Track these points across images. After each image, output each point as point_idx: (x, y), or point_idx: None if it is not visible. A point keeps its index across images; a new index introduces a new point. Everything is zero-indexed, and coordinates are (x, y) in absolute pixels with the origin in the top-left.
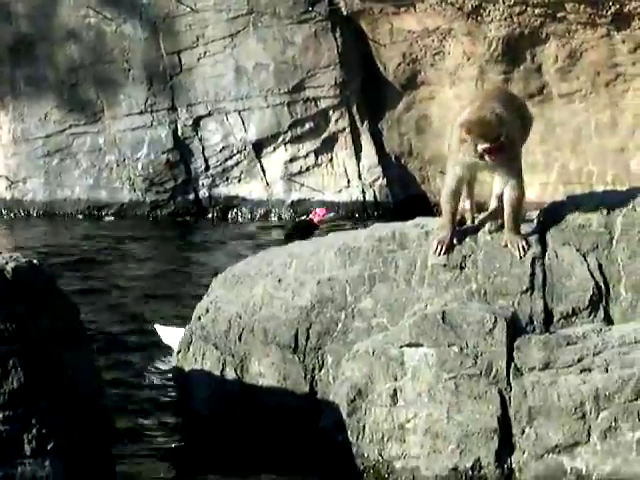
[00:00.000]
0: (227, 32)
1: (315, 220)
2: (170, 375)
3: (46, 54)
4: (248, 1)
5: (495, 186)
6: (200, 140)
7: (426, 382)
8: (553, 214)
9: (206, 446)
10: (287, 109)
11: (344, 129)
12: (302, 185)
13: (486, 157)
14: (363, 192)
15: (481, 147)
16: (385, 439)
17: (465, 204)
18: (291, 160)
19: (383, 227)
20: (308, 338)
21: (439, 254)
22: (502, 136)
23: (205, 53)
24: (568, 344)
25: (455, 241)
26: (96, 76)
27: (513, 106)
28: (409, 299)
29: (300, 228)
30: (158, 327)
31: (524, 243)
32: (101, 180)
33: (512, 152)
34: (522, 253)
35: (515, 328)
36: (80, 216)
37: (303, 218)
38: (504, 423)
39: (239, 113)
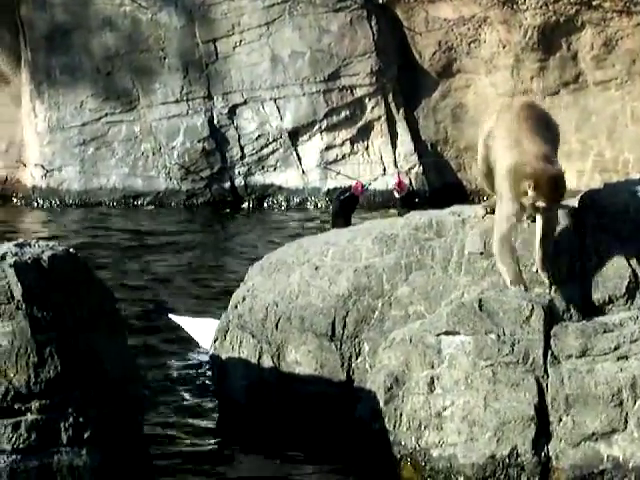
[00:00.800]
0: (263, 20)
1: (356, 193)
2: (206, 364)
3: (82, 42)
4: None
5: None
6: (236, 128)
7: (463, 370)
8: (590, 201)
9: (243, 434)
10: (323, 97)
11: (380, 117)
12: (338, 173)
13: (542, 210)
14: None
15: (542, 205)
16: (422, 427)
17: None
18: (327, 148)
19: (420, 215)
20: (345, 326)
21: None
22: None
23: (241, 41)
24: (605, 332)
25: None
26: (132, 64)
27: (550, 128)
28: (446, 287)
29: (346, 201)
30: (175, 317)
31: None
32: (137, 169)
33: None
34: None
35: (552, 316)
36: (116, 205)
37: (346, 191)
38: (541, 411)
39: (275, 101)
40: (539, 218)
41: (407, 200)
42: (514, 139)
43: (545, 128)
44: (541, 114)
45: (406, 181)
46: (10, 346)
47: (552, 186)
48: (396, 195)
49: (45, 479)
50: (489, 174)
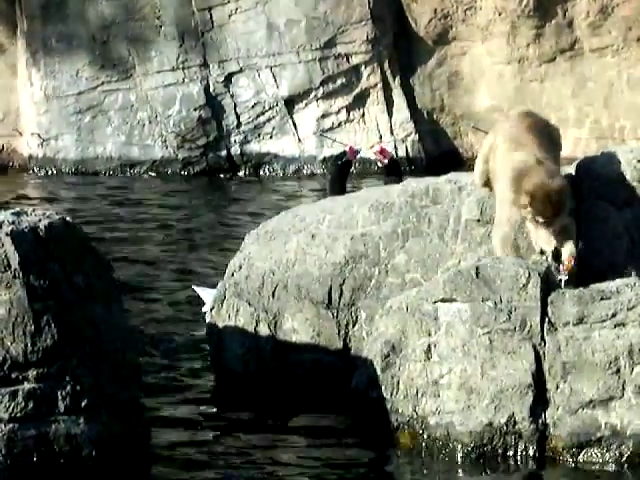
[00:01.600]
0: None
1: (350, 158)
2: (203, 331)
3: (77, 11)
4: None
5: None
6: (232, 97)
7: (460, 337)
8: (586, 168)
9: (240, 403)
10: (319, 65)
11: (376, 85)
12: (334, 141)
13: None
14: (395, 148)
15: (541, 220)
16: (419, 395)
17: None
18: (323, 116)
19: (416, 182)
20: (341, 294)
21: None
22: (566, 210)
23: (236, 9)
24: (602, 299)
25: None
26: (128, 33)
27: (550, 135)
28: (442, 254)
29: (343, 166)
30: (197, 289)
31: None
32: (133, 137)
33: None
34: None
35: (549, 283)
36: (112, 173)
37: (342, 156)
38: (538, 378)
39: (271, 69)
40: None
41: (393, 168)
42: (515, 146)
43: (546, 135)
44: (540, 122)
45: (389, 149)
46: (7, 315)
47: (549, 203)
48: (379, 164)
49: (43, 448)
50: (486, 185)
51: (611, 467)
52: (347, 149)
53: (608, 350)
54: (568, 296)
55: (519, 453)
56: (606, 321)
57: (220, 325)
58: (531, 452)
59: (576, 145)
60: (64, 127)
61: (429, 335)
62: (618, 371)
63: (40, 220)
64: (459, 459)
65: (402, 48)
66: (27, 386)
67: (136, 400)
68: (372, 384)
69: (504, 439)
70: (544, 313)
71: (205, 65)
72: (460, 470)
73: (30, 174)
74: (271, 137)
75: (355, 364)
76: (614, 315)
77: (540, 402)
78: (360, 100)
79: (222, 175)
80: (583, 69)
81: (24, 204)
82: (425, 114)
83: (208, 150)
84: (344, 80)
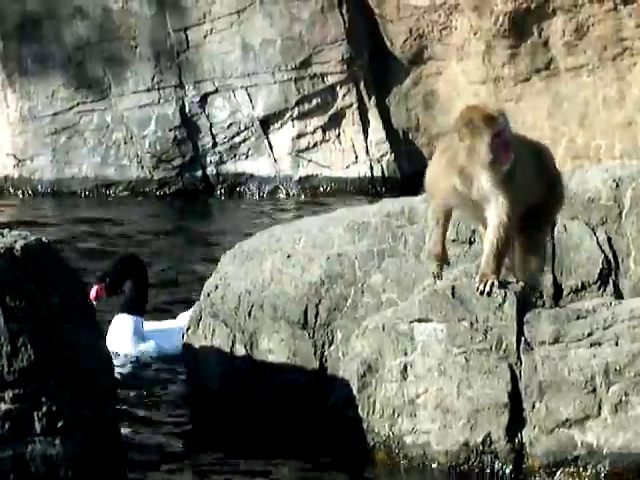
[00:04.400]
0: (233, 9)
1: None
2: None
3: (53, 32)
4: None
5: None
6: (207, 117)
7: (436, 357)
8: None
9: (215, 422)
10: (294, 85)
11: (351, 105)
12: (310, 161)
13: (491, 158)
14: (371, 167)
15: (487, 140)
16: (395, 414)
17: None
18: (298, 136)
19: (392, 202)
20: (317, 314)
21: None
22: (505, 126)
23: (212, 30)
24: (578, 318)
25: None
26: (103, 54)
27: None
28: (419, 274)
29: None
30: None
31: (494, 283)
32: (109, 158)
33: (509, 183)
34: (485, 290)
35: (525, 302)
36: (88, 194)
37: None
38: (514, 398)
39: (246, 89)
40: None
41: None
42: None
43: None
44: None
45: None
46: None
47: (486, 112)
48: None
49: (19, 469)
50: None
51: None
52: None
53: (584, 369)
54: (544, 315)
55: (495, 472)
56: (582, 340)
57: (196, 345)
58: (507, 471)
59: None
60: (40, 148)
61: (405, 355)
62: (594, 390)
63: (16, 241)
64: (435, 479)
65: (377, 68)
66: (3, 407)
67: (112, 420)
68: (348, 404)
69: (480, 458)
70: (520, 332)
71: (181, 85)
72: None
73: (6, 195)
74: (247, 157)
75: (331, 384)
76: (590, 334)
77: (516, 421)
78: (336, 120)
79: (198, 195)
80: (559, 88)
81: (0, 225)
82: (401, 134)
83: (184, 170)
84: (319, 100)
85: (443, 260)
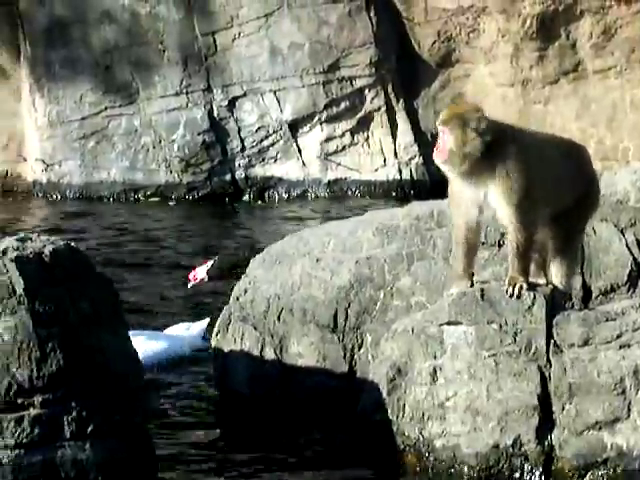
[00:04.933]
0: (261, 12)
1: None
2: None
3: (81, 36)
4: None
5: None
6: (236, 121)
7: (465, 360)
8: None
9: (245, 426)
10: (322, 89)
11: (379, 108)
12: (338, 164)
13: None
14: (399, 170)
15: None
16: (425, 417)
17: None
18: (327, 140)
19: (420, 205)
20: (347, 317)
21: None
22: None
23: (240, 34)
24: (607, 320)
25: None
26: (131, 58)
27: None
28: (448, 277)
29: None
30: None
31: (523, 286)
32: (137, 162)
33: (518, 184)
34: (515, 293)
35: (554, 305)
36: (116, 198)
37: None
38: (544, 400)
39: (274, 93)
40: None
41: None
42: None
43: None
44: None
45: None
46: (13, 341)
47: (463, 127)
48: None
49: (49, 473)
50: None
51: None
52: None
53: (613, 371)
54: (573, 318)
55: (525, 475)
56: (611, 342)
57: (225, 349)
58: (537, 474)
59: None
60: (68, 152)
61: (435, 358)
62: (624, 392)
63: (45, 246)
64: None
65: (405, 71)
66: (33, 412)
67: (141, 425)
68: (378, 407)
69: (510, 461)
70: (549, 335)
71: (209, 89)
72: None
73: (34, 199)
74: (275, 161)
75: (361, 387)
76: (619, 336)
77: (546, 424)
78: (364, 123)
79: (226, 199)
80: (586, 90)
81: (29, 230)
82: (429, 136)
83: (212, 174)
84: (348, 103)
85: (468, 279)
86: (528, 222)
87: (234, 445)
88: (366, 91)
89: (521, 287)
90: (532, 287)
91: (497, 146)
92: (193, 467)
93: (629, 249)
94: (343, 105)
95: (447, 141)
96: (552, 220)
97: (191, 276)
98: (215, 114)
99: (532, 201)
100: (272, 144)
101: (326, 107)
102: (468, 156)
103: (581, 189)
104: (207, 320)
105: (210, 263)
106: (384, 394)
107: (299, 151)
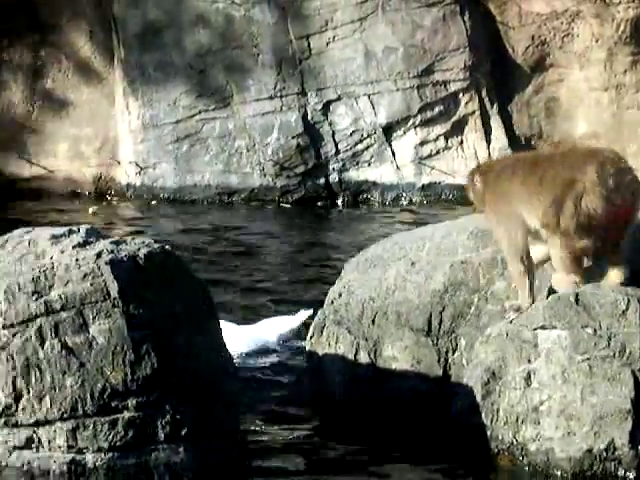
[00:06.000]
0: (356, 16)
1: None
2: (302, 359)
3: (174, 40)
4: None
5: None
6: (330, 124)
7: (559, 364)
8: None
9: (339, 429)
10: (417, 92)
11: (474, 112)
12: (432, 168)
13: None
14: None
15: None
16: (519, 421)
17: None
18: (421, 143)
19: None
20: (441, 321)
21: None
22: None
23: (334, 37)
24: None
25: None
26: (225, 61)
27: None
28: (542, 281)
29: None
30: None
31: (575, 280)
32: (231, 165)
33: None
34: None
35: None
36: (210, 201)
37: None
38: (638, 404)
39: (369, 97)
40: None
41: None
42: None
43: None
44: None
45: None
46: (107, 344)
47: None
48: None
49: (142, 476)
50: None
51: None
52: None
53: None
54: None
55: (619, 479)
56: None
57: (320, 352)
58: (631, 478)
59: None
60: (162, 155)
61: (529, 362)
62: None
63: (139, 249)
64: None
65: (499, 75)
66: (127, 415)
67: (235, 428)
68: (472, 411)
69: (604, 465)
70: None
71: (303, 93)
72: None
73: (128, 202)
74: (369, 165)
75: (455, 391)
76: None
77: None
78: (458, 127)
79: (320, 203)
80: None
81: (123, 233)
82: (523, 141)
83: (306, 178)
84: (442, 107)
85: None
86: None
87: (327, 449)
88: (460, 95)
89: (575, 283)
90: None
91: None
92: (285, 470)
93: None
94: (437, 109)
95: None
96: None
97: None
98: (309, 118)
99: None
100: (366, 148)
101: (420, 111)
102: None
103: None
104: (301, 316)
105: None
106: (478, 398)
107: (393, 155)
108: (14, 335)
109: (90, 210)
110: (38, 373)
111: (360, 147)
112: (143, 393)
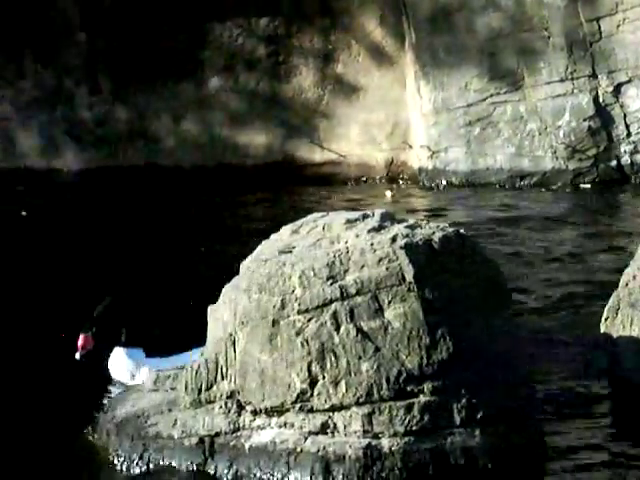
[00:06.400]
0: None
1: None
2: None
3: (465, 23)
4: None
5: None
6: (621, 107)
7: None
8: None
9: (637, 415)
10: None
11: None
12: None
13: None
14: None
15: None
16: None
17: None
18: None
19: None
20: None
21: None
22: None
23: (624, 20)
24: None
25: None
26: (516, 45)
27: None
28: None
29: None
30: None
31: None
32: (523, 149)
33: None
34: None
35: None
36: (502, 185)
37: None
38: None
39: None
40: None
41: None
42: None
43: None
44: None
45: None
46: (402, 328)
47: None
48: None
49: (438, 460)
50: None
51: None
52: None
53: None
54: None
55: None
56: None
57: (614, 335)
58: None
59: None
60: (453, 139)
61: None
62: None
63: (434, 232)
64: None
65: None
66: (422, 399)
67: (530, 411)
68: None
69: None
70: None
71: (594, 75)
72: None
73: (421, 186)
74: None
75: None
76: None
77: None
78: None
79: (612, 186)
80: None
81: (416, 217)
82: None
83: (598, 161)
84: None
85: None
86: None
87: (625, 437)
88: None
89: None
90: None
91: None
92: (582, 458)
93: None
94: None
95: None
96: None
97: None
98: (600, 100)
99: None
100: None
101: None
102: None
103: None
104: None
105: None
106: None
107: None
108: (309, 320)
109: (388, 194)
110: (333, 358)
111: None
112: (439, 377)
